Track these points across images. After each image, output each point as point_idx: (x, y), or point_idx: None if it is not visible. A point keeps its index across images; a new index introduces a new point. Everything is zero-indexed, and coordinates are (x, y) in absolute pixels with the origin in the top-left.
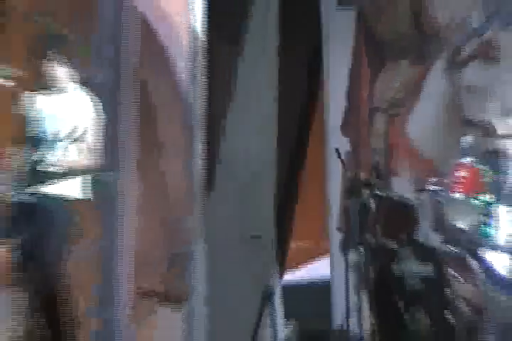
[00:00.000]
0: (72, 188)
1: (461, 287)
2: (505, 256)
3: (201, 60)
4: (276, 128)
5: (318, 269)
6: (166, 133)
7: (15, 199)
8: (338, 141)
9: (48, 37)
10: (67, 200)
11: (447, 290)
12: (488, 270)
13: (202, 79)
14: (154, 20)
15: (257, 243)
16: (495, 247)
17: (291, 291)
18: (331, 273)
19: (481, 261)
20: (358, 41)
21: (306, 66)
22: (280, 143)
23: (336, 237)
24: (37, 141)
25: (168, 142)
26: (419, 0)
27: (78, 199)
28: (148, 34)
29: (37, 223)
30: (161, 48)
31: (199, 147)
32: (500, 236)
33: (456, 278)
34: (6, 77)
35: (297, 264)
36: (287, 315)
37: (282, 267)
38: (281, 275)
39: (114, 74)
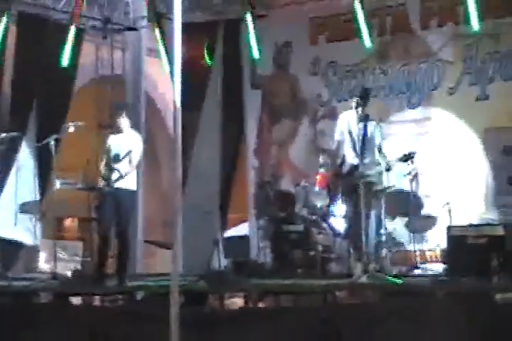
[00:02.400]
0: (129, 183)
1: (318, 237)
2: (340, 220)
3: (179, 118)
4: (220, 152)
5: (242, 229)
6: (163, 157)
7: (103, 190)
8: (252, 160)
9: (119, 104)
10: (127, 190)
11: (310, 239)
12: (332, 228)
13: (179, 128)
14: (156, 98)
15: (210, 215)
16: (335, 216)
17: (228, 241)
18: (249, 231)
19: (328, 223)
20: (263, 108)
21: (237, 123)
22: (223, 161)
23: (252, 212)
24: (112, 159)
25: (163, 160)
26: (295, 86)
27: (130, 190)
28: (153, 105)
29: (112, 203)
30: (159, 113)
31: (179, 162)
32: (337, 211)
33: (315, 232)
34: (76, 128)
35: (231, 226)
36: (226, 253)
37: (223, 228)
38: (223, 232)
39: (138, 126)
